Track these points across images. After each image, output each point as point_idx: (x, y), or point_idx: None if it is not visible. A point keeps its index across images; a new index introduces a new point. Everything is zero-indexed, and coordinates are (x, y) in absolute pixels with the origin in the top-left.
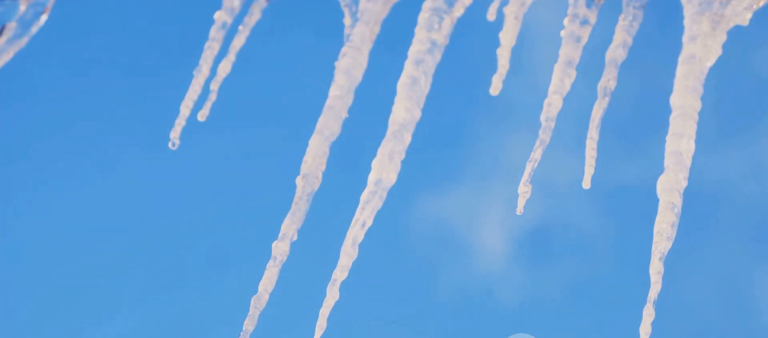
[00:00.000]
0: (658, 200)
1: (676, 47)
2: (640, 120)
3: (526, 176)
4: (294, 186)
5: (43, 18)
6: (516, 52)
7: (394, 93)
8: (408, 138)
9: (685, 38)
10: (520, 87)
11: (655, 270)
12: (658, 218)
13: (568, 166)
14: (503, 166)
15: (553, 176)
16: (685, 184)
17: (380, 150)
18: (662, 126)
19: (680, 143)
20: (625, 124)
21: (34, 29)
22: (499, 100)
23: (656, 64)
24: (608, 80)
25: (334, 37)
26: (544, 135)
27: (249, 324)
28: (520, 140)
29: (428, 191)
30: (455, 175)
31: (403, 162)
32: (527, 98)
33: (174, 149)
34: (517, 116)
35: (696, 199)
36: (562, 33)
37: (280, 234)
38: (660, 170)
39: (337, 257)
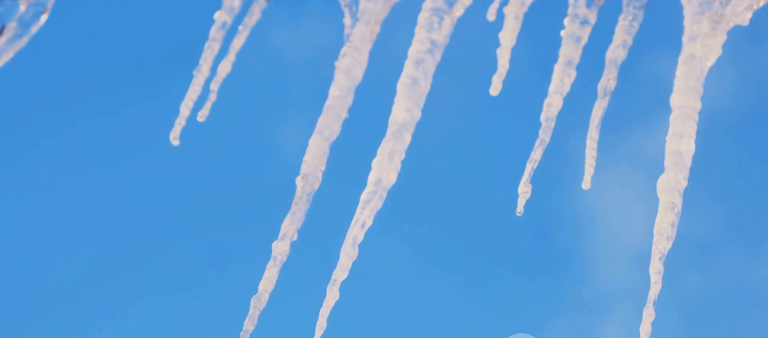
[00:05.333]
0: None
1: (676, 47)
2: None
3: (526, 176)
4: (294, 186)
5: (43, 18)
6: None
7: (394, 93)
8: (408, 138)
9: (685, 38)
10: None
11: (655, 269)
12: (658, 219)
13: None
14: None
15: None
16: (685, 184)
17: (380, 150)
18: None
19: (680, 143)
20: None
21: (34, 29)
22: (558, 285)
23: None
24: (608, 80)
25: (334, 37)
26: (544, 135)
27: (249, 324)
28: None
29: None
30: None
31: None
32: (584, 287)
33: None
34: (575, 298)
35: None
36: (562, 33)
37: (280, 234)
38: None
39: (337, 257)
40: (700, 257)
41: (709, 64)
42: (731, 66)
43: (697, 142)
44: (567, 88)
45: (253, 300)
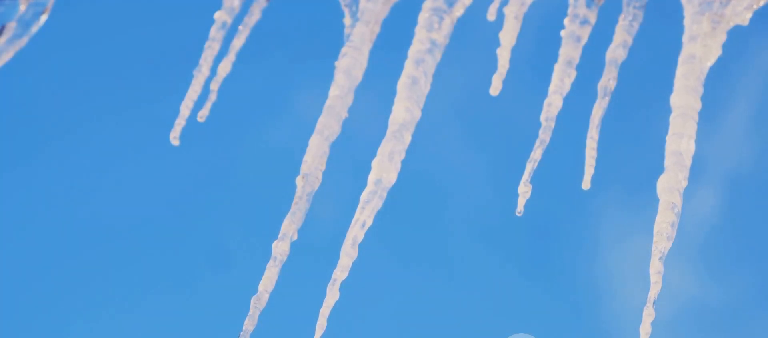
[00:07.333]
0: None
1: (676, 47)
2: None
3: (526, 176)
4: (294, 186)
5: (43, 18)
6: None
7: (394, 93)
8: (408, 138)
9: (685, 38)
10: None
11: (655, 269)
12: (658, 218)
13: None
14: None
15: None
16: (685, 184)
17: (380, 150)
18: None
19: (680, 143)
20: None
21: (34, 29)
22: None
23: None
24: (608, 80)
25: (334, 37)
26: (544, 135)
27: (249, 324)
28: None
29: None
30: None
31: None
32: None
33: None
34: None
35: None
36: (562, 33)
37: (280, 234)
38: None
39: (337, 257)
40: (729, 323)
41: (709, 64)
42: (758, 129)
43: (723, 205)
44: (567, 88)
45: (253, 300)
